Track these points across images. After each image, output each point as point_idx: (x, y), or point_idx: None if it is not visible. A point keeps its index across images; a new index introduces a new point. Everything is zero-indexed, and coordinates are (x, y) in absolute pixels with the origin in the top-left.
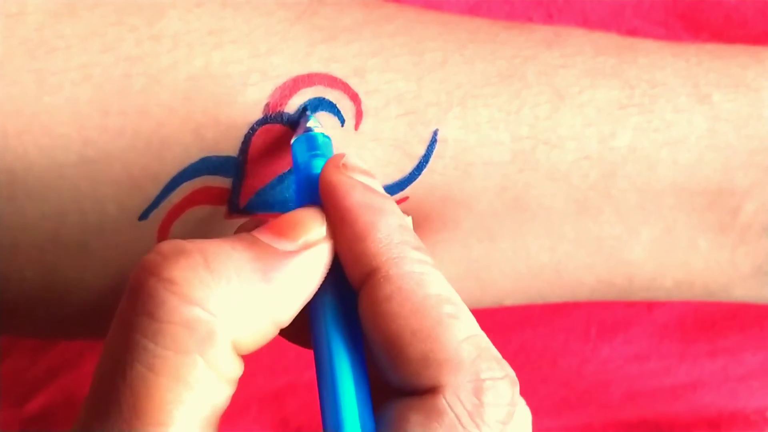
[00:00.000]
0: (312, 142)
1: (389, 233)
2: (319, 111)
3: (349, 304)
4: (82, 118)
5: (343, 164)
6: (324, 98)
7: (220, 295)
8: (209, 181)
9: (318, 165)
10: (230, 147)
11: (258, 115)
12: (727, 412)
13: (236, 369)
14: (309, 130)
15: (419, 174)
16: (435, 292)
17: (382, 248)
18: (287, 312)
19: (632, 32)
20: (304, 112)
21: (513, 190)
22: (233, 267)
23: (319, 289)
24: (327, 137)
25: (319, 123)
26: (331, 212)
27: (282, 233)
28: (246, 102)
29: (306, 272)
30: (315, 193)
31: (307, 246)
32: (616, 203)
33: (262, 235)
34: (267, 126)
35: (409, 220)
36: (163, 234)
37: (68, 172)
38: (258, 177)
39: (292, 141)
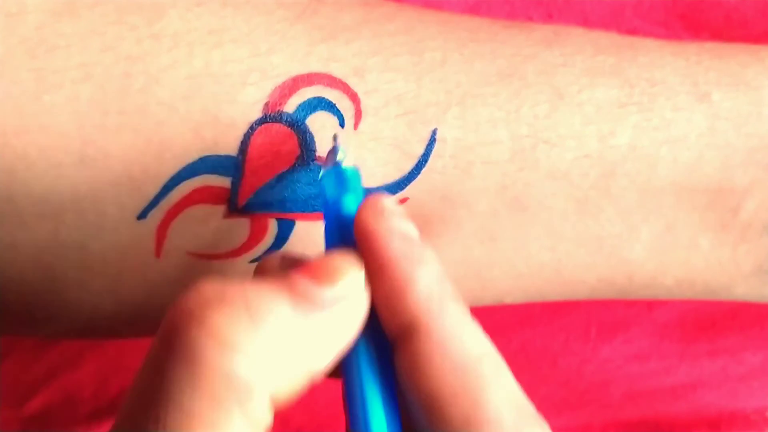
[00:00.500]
0: (341, 176)
1: (429, 285)
2: (318, 111)
3: (383, 354)
4: (82, 117)
5: (380, 211)
6: (323, 98)
7: (262, 346)
8: (208, 180)
9: (349, 202)
10: (230, 146)
11: (257, 114)
12: (727, 412)
13: (270, 419)
14: (338, 163)
15: (418, 173)
16: (475, 348)
17: (421, 302)
18: (323, 362)
19: (632, 32)
20: (333, 142)
21: (513, 190)
22: (274, 316)
23: (354, 338)
24: (356, 171)
25: (346, 155)
26: (368, 261)
27: (320, 280)
28: (245, 101)
29: (344, 323)
30: (347, 233)
31: (346, 296)
32: (616, 202)
33: (300, 281)
34: (266, 125)
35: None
36: (162, 233)
37: (68, 171)
38: (257, 176)
39: (321, 175)
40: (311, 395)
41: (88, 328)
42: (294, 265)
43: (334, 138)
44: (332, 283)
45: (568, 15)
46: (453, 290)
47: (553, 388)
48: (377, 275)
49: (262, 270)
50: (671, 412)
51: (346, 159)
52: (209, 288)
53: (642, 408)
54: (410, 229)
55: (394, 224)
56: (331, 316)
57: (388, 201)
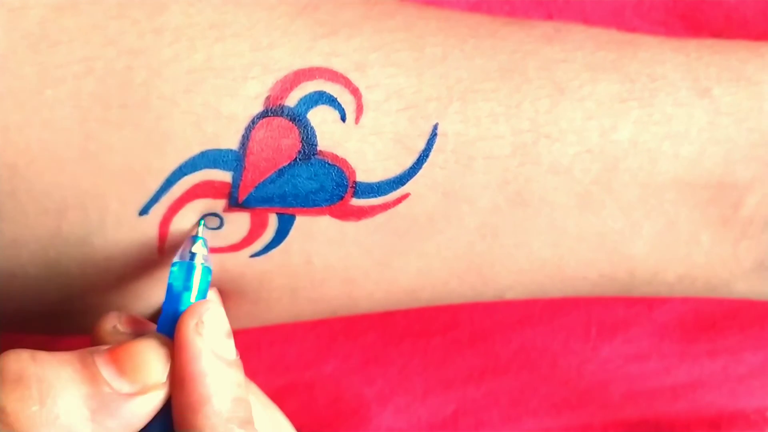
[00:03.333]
0: (191, 272)
1: (220, 410)
2: (320, 105)
3: None
4: (84, 112)
5: (197, 324)
6: (325, 92)
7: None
8: (209, 174)
9: (186, 302)
10: (231, 140)
11: (259, 108)
12: (727, 412)
13: None
14: (192, 256)
15: (420, 168)
16: None
17: (209, 424)
18: None
19: (632, 32)
20: (196, 228)
21: (515, 185)
22: (65, 405)
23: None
24: (208, 269)
25: (206, 247)
26: (174, 369)
27: (124, 371)
28: (247, 95)
29: (136, 415)
30: (174, 328)
31: (144, 390)
32: (618, 197)
33: (104, 369)
34: (267, 119)
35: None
36: (164, 229)
37: (70, 166)
38: (258, 170)
39: (173, 262)
40: (311, 395)
41: (93, 324)
42: (132, 325)
43: (199, 223)
44: (133, 376)
45: (567, 15)
46: (245, 412)
47: (553, 388)
48: (178, 389)
49: (98, 332)
50: (671, 412)
51: (202, 252)
52: (12, 364)
53: (642, 408)
54: (225, 348)
55: (207, 342)
56: (124, 411)
57: (211, 315)
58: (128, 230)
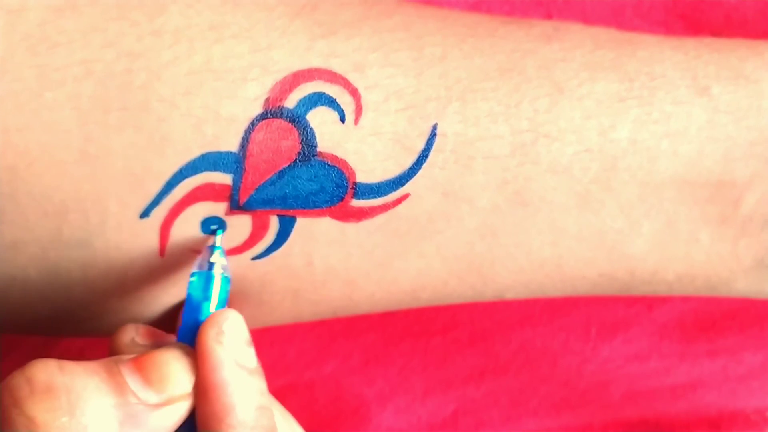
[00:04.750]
0: (209, 282)
1: (244, 419)
2: (319, 106)
3: None
4: (84, 114)
5: (218, 333)
6: (324, 93)
7: None
8: (210, 177)
9: (205, 311)
10: (230, 142)
11: (258, 109)
12: (727, 412)
13: None
14: (211, 266)
15: (419, 168)
16: None
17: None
18: None
19: (632, 31)
20: (213, 238)
21: (514, 184)
22: (94, 415)
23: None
24: (227, 278)
25: (224, 256)
26: (198, 379)
27: (150, 381)
28: (246, 97)
29: (162, 426)
30: (194, 338)
31: (170, 401)
32: (617, 196)
33: (130, 378)
34: (267, 120)
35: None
36: (165, 232)
37: (69, 169)
38: (258, 172)
39: (192, 273)
40: (311, 395)
41: (93, 326)
42: (150, 337)
43: (216, 233)
44: (159, 386)
45: (567, 15)
46: (268, 421)
47: (553, 388)
48: (202, 398)
49: (116, 343)
50: (671, 412)
51: (221, 261)
52: (40, 374)
53: (642, 408)
54: (246, 356)
55: (228, 351)
56: (151, 420)
57: (231, 324)
58: (129, 233)
